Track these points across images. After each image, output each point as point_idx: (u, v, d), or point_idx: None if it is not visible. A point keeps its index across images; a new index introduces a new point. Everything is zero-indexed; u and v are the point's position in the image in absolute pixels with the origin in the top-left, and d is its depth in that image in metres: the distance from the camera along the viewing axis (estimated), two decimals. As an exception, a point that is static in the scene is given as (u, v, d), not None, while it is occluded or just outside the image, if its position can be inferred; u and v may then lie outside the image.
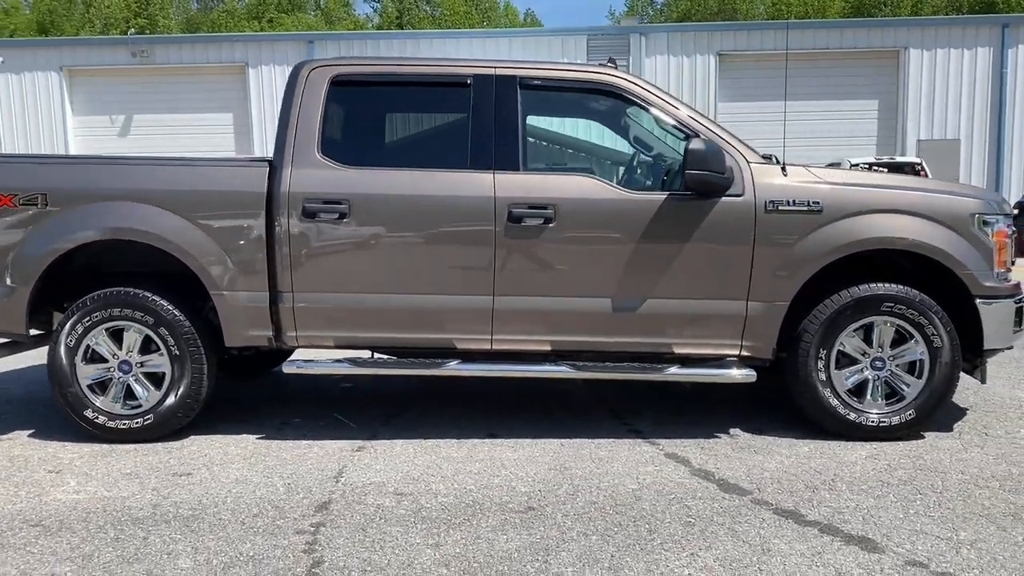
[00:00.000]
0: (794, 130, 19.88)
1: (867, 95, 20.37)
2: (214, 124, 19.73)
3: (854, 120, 20.28)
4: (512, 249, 4.51)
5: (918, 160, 16.03)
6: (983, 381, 4.79)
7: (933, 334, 4.51)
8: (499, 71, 4.67)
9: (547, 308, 4.56)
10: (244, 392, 5.75)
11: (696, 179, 4.34)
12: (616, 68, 4.91)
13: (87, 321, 4.58)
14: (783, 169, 4.57)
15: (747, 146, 4.66)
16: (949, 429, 4.79)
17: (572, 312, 4.56)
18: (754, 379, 4.58)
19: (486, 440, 4.64)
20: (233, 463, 4.30)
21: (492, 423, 4.93)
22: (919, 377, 4.57)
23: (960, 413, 5.13)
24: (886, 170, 15.29)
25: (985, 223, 4.57)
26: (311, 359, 4.90)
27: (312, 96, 4.63)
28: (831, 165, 16.02)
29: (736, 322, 4.54)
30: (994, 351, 4.69)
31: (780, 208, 4.50)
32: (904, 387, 4.59)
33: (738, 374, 4.58)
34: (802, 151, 18.93)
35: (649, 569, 3.08)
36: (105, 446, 4.58)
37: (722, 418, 5.02)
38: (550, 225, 4.49)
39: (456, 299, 4.56)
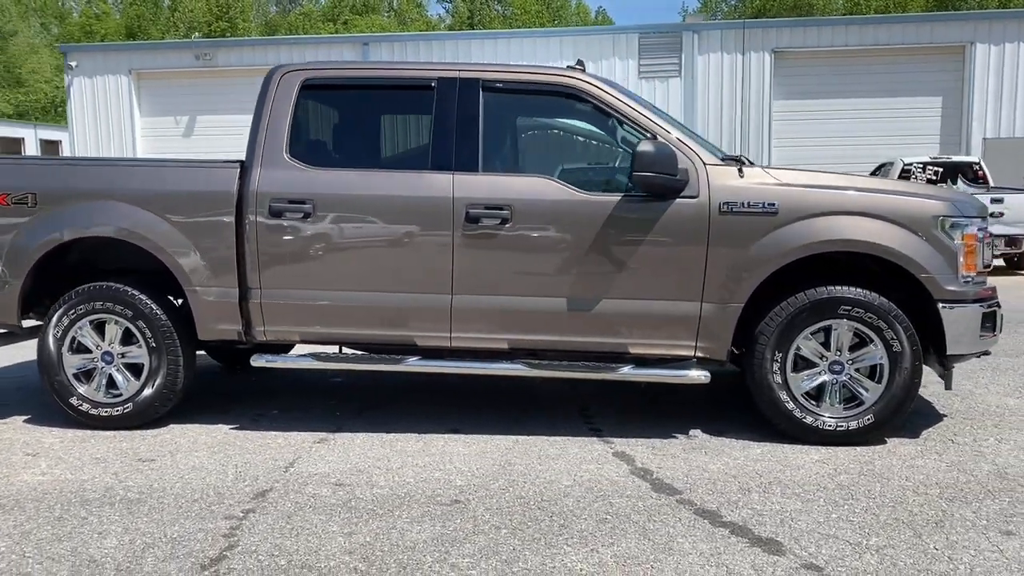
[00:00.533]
0: (853, 129, 19.44)
1: (930, 92, 19.74)
2: (272, 124, 20.32)
3: (916, 118, 19.67)
4: (469, 249, 4.61)
5: (976, 160, 15.46)
6: (948, 387, 4.70)
7: (892, 339, 4.44)
8: (463, 74, 4.77)
9: (504, 307, 4.65)
10: (236, 384, 5.99)
11: (643, 180, 4.37)
12: (583, 71, 4.96)
13: (72, 313, 4.86)
14: (740, 171, 4.56)
15: (706, 148, 4.67)
16: (915, 435, 4.71)
17: (528, 311, 4.64)
18: (707, 380, 4.59)
19: (446, 435, 4.75)
20: (198, 451, 4.51)
21: (458, 419, 5.04)
22: (878, 382, 4.51)
23: (936, 419, 5.02)
24: (940, 170, 14.84)
25: (950, 226, 4.47)
26: (281, 353, 5.08)
27: (283, 99, 4.81)
28: (882, 166, 15.62)
29: (690, 323, 4.55)
30: (960, 357, 4.59)
31: (735, 210, 4.49)
32: (863, 392, 4.53)
33: (691, 375, 4.60)
34: (861, 150, 18.54)
35: (543, 563, 3.15)
36: (87, 432, 4.84)
37: (688, 419, 5.03)
38: (506, 225, 4.58)
39: (416, 297, 4.68)
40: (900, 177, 14.72)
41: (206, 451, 4.51)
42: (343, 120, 5.08)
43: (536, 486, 3.95)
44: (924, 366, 4.55)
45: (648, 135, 4.58)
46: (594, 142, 5.13)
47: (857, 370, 4.54)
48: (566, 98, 4.76)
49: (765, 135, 19.91)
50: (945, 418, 5.07)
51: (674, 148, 4.51)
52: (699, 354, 4.62)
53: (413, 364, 4.74)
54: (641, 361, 4.72)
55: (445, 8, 76.34)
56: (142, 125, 20.97)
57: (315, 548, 3.28)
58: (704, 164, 4.56)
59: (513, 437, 4.70)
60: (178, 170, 4.97)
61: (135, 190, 4.80)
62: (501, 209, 4.58)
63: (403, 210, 4.66)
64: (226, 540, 3.37)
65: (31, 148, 49.06)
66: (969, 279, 4.54)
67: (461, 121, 4.69)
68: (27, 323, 5.07)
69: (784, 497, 3.79)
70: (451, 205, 4.59)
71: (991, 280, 4.79)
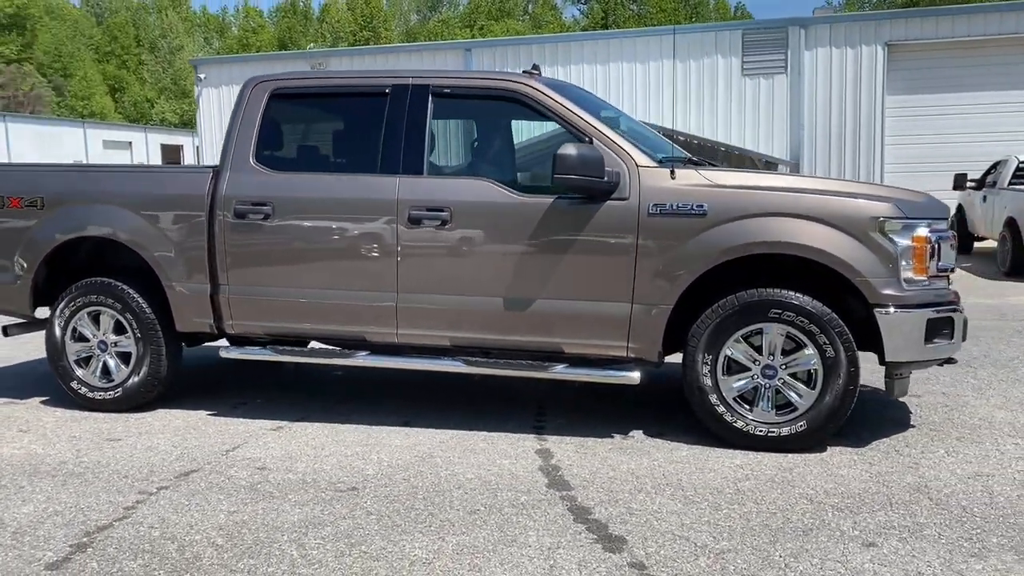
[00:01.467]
0: (970, 125, 18.26)
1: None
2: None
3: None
4: (412, 249, 4.81)
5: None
6: (892, 395, 4.50)
7: (825, 344, 4.32)
8: (414, 81, 4.98)
9: (444, 306, 4.81)
10: (249, 375, 6.38)
11: (563, 183, 4.43)
12: (538, 75, 5.06)
13: (72, 305, 5.38)
14: (672, 173, 4.55)
15: (642, 150, 4.66)
16: (863, 443, 4.54)
17: (467, 310, 4.78)
18: (637, 381, 4.59)
19: (396, 428, 4.95)
20: (164, 433, 4.91)
21: (414, 413, 5.23)
22: (812, 388, 4.39)
23: (902, 428, 4.81)
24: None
25: (892, 228, 4.30)
26: (246, 346, 5.41)
27: (252, 109, 5.16)
28: (997, 164, 14.62)
29: (622, 324, 4.57)
30: (904, 364, 4.40)
31: (663, 212, 4.48)
32: (796, 398, 4.42)
33: (622, 375, 4.62)
34: (978, 147, 17.42)
35: (385, 547, 3.31)
36: (81, 414, 5.35)
37: (636, 419, 5.03)
38: (446, 227, 4.74)
39: (365, 295, 4.91)
40: (1015, 177, 13.83)
41: (170, 433, 4.90)
42: (306, 127, 5.39)
43: (437, 478, 4.10)
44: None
45: (585, 138, 4.63)
46: (539, 145, 5.21)
47: (791, 375, 4.43)
48: (509, 102, 4.87)
49: (877, 132, 18.99)
50: (912, 428, 4.84)
51: (606, 150, 4.55)
52: (631, 355, 4.64)
53: (360, 359, 4.99)
54: (582, 361, 4.78)
55: (580, 10, 76.51)
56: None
57: (193, 523, 3.57)
58: (636, 166, 4.57)
59: (455, 432, 4.85)
60: (159, 175, 5.44)
61: (123, 194, 5.26)
62: (441, 211, 4.74)
63: (353, 211, 4.90)
64: (124, 512, 3.71)
65: (189, 154, 52.80)
66: (918, 283, 4.36)
67: (410, 126, 4.89)
68: (40, 314, 5.63)
69: (670, 499, 3.79)
70: (395, 207, 4.80)
71: None
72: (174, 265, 5.16)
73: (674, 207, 4.47)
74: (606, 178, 4.49)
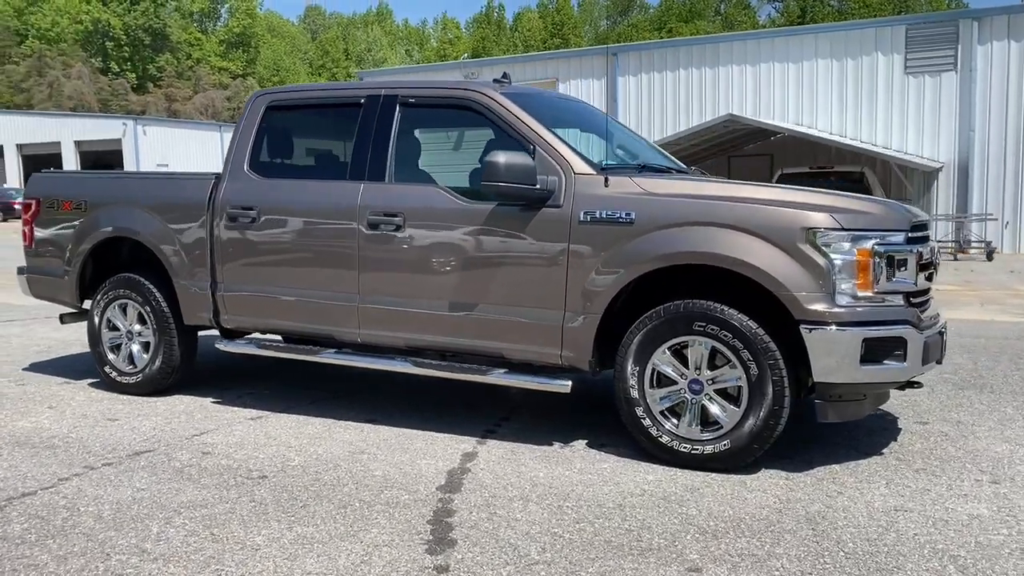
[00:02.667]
0: None
1: None
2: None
3: None
4: (371, 254, 5.01)
5: None
6: (825, 419, 4.18)
7: (749, 360, 4.11)
8: (385, 92, 5.18)
9: (397, 308, 4.98)
10: (282, 368, 6.82)
11: (492, 190, 4.48)
12: (506, 84, 5.13)
13: (106, 298, 6.01)
14: (606, 180, 4.47)
15: (583, 158, 4.60)
16: (803, 469, 4.27)
17: (417, 314, 4.92)
18: (568, 390, 4.55)
19: (357, 423, 5.16)
20: (156, 416, 5.39)
21: (386, 411, 5.43)
22: (737, 406, 4.18)
23: (860, 455, 4.47)
24: None
25: (824, 240, 4.02)
26: (235, 339, 5.81)
27: (251, 120, 5.56)
28: None
29: (556, 332, 4.55)
30: (838, 386, 4.08)
31: (593, 219, 4.43)
32: (721, 415, 4.23)
33: (553, 383, 4.59)
34: None
35: (234, 532, 3.51)
36: (107, 395, 5.95)
37: (594, 429, 4.97)
38: (399, 232, 4.91)
39: (333, 296, 5.17)
40: None
41: (161, 417, 5.38)
42: (295, 137, 5.71)
43: (345, 473, 4.26)
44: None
45: (530, 146, 4.65)
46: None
47: (717, 391, 4.24)
48: (465, 111, 4.96)
49: (1060, 132, 17.18)
50: (878, 456, 4.48)
51: (546, 158, 4.55)
52: (564, 363, 4.60)
53: (327, 356, 5.25)
54: (527, 367, 4.79)
55: (776, 8, 73.75)
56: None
57: (99, 496, 3.93)
58: (574, 174, 4.53)
59: (406, 430, 5.00)
60: (172, 181, 5.93)
61: (145, 198, 5.82)
62: (395, 216, 4.92)
63: (324, 216, 5.17)
64: (56, 482, 4.14)
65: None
66: (862, 300, 4.05)
67: (377, 134, 5.11)
68: (87, 305, 6.32)
69: (543, 509, 3.75)
70: (357, 213, 5.03)
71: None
72: (182, 263, 5.65)
73: (603, 215, 4.41)
74: (539, 185, 4.49)
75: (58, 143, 46.96)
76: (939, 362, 4.48)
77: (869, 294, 4.08)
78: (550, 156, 4.59)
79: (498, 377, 4.76)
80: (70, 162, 46.57)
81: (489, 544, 3.39)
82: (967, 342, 7.79)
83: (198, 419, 5.31)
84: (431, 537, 3.46)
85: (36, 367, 6.94)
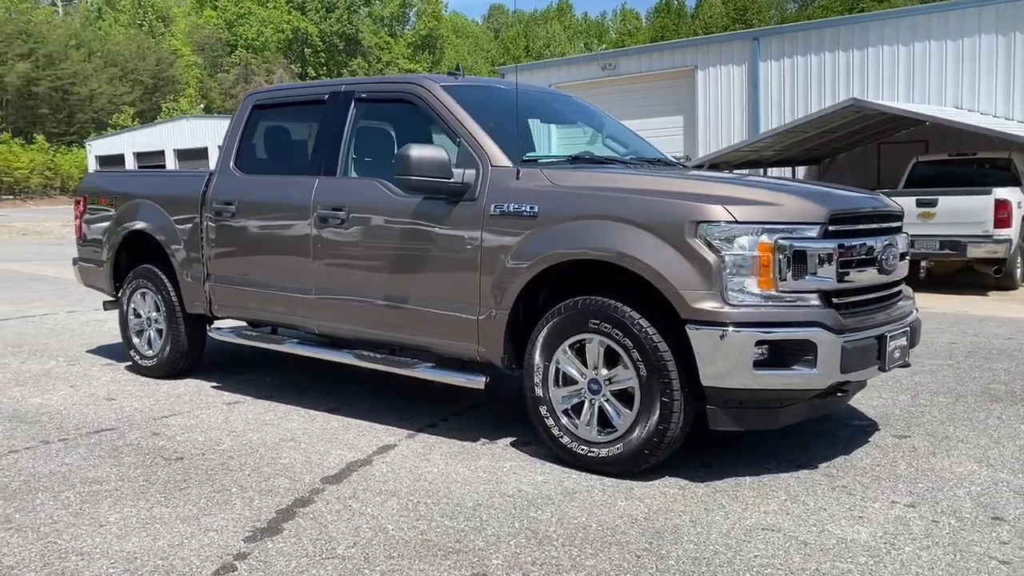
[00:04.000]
0: None
1: None
2: (666, 127, 20.87)
3: None
4: (320, 247, 5.13)
5: None
6: (716, 427, 3.85)
7: (638, 360, 3.88)
8: (344, 88, 5.29)
9: (342, 300, 5.07)
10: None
11: (404, 183, 4.48)
12: (458, 76, 5.11)
13: (130, 287, 6.51)
14: (517, 173, 4.35)
15: (504, 150, 4.49)
16: (705, 479, 3.98)
17: (359, 306, 4.99)
18: (483, 386, 4.47)
19: (317, 412, 5.30)
20: (147, 398, 5.77)
21: (353, 402, 5.53)
22: (631, 408, 3.96)
23: (786, 468, 4.11)
24: None
25: (712, 233, 3.72)
26: (221, 328, 6.09)
27: (240, 119, 5.84)
28: None
29: (472, 327, 4.49)
30: (731, 392, 3.76)
31: (502, 213, 4.33)
32: (616, 418, 4.01)
33: (468, 379, 4.53)
34: None
35: (98, 509, 3.72)
36: (127, 376, 6.44)
37: (532, 428, 4.85)
38: (343, 226, 5.00)
39: (295, 286, 5.33)
40: None
41: (152, 399, 5.75)
42: (274, 134, 5.90)
43: (256, 457, 4.41)
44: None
45: (458, 138, 4.61)
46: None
47: (614, 393, 4.03)
48: (407, 104, 4.97)
49: None
50: (807, 471, 4.10)
51: (468, 150, 4.51)
52: (481, 358, 4.53)
53: (287, 347, 5.45)
54: (455, 362, 4.75)
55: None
56: (559, 134, 23.19)
57: (25, 469, 4.28)
58: (491, 166, 4.44)
59: (352, 420, 5.09)
60: (175, 178, 6.32)
61: (156, 194, 6.25)
62: (339, 211, 5.01)
63: (286, 211, 5.34)
64: (10, 452, 4.56)
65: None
66: (762, 299, 3.73)
67: (333, 130, 5.22)
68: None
69: (398, 506, 3.70)
70: (311, 207, 5.16)
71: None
72: (182, 254, 6.02)
73: (511, 208, 4.30)
74: (454, 178, 4.43)
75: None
76: (883, 369, 4.03)
77: (772, 292, 3.74)
78: (472, 148, 4.52)
79: (423, 371, 4.75)
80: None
81: (311, 536, 3.41)
82: (1049, 349, 6.90)
83: (181, 402, 5.64)
84: (265, 525, 3.52)
85: (96, 350, 7.58)
